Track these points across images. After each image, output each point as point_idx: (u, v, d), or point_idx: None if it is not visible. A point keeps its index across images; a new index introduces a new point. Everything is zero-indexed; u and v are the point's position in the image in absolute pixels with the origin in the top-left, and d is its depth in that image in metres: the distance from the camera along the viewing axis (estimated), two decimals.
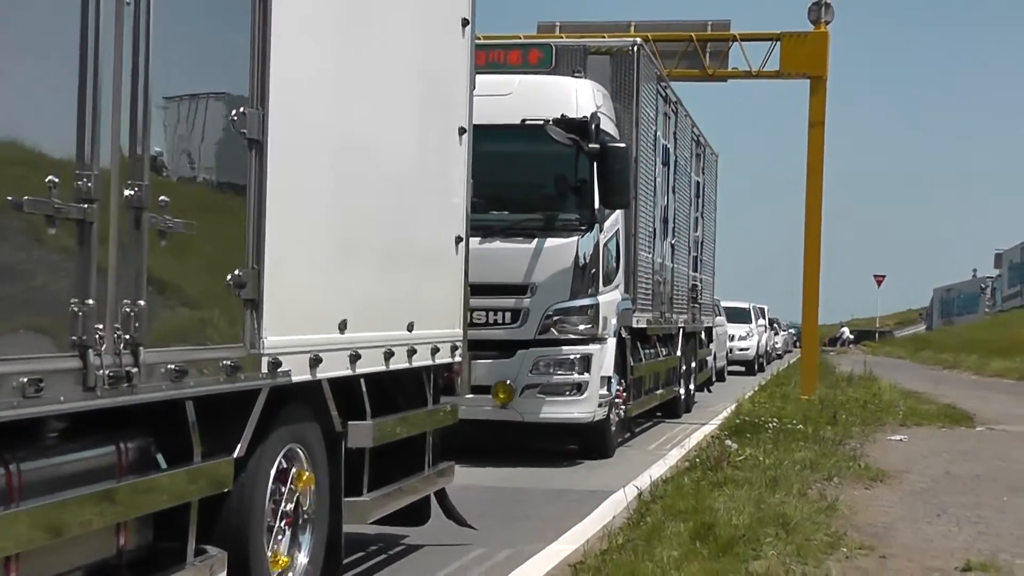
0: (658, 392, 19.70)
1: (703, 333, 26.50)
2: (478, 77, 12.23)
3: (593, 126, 13.98)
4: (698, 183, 24.11)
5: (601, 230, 14.55)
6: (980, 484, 12.52)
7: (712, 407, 24.07)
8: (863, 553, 8.33)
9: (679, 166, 21.24)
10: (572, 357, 14.08)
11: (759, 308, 51.34)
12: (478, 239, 12.23)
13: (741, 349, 44.49)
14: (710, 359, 34.98)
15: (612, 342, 14.98)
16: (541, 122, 13.88)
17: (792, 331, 66.51)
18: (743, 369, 44.28)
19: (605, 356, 14.70)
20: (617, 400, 15.53)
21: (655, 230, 18.44)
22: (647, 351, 18.34)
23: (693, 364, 24.36)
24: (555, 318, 14.01)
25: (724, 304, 39.31)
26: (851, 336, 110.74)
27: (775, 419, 18.05)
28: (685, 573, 7.24)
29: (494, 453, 14.73)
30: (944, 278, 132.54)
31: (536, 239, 14.00)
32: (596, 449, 15.20)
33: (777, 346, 63.53)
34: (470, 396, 11.63)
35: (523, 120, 13.88)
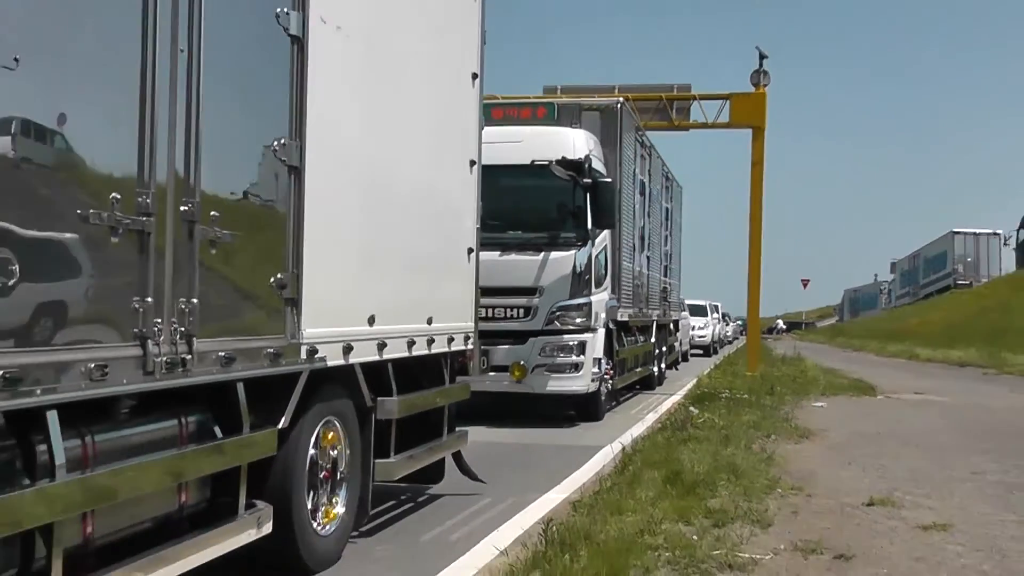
0: (637, 370, 20.00)
1: (672, 325, 26.90)
2: (498, 128, 14.39)
3: (587, 165, 14.76)
4: (667, 209, 24.51)
5: (593, 245, 15.11)
6: (880, 439, 12.58)
7: (679, 381, 24.77)
8: (794, 493, 8.37)
9: (652, 195, 21.63)
10: (571, 343, 14.64)
11: (714, 305, 51.45)
12: (498, 252, 13.74)
13: (700, 336, 44.95)
14: (677, 345, 36.40)
15: (602, 332, 15.34)
16: (547, 162, 14.52)
17: (739, 322, 66.37)
18: (701, 352, 44.49)
19: (596, 342, 15.09)
20: (606, 376, 15.83)
21: (635, 245, 19.11)
22: (629, 339, 18.82)
23: (664, 348, 24.96)
24: (558, 313, 14.66)
25: (687, 302, 39.11)
26: (784, 326, 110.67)
27: (727, 390, 18.21)
28: (659, 508, 7.26)
29: (512, 418, 14.80)
30: (852, 281, 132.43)
31: (543, 252, 14.73)
32: (590, 415, 15.51)
33: (728, 334, 63.58)
34: (492, 374, 14.39)
35: (533, 161, 14.56)
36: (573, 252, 14.84)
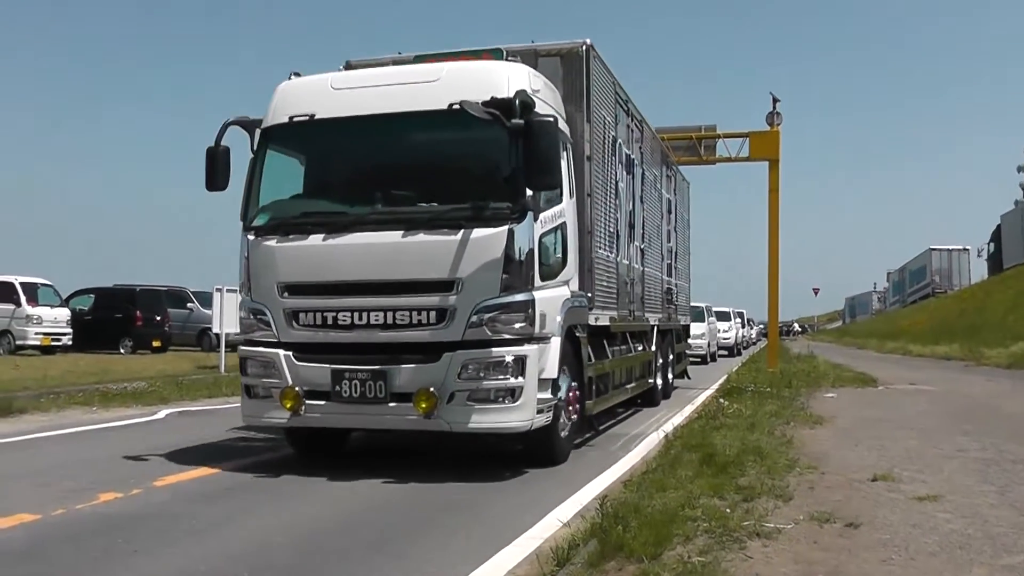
0: (629, 386, 13.74)
1: (682, 330, 20.62)
2: (408, 67, 9.72)
3: (517, 101, 8.59)
4: (670, 200, 18.70)
5: (537, 220, 8.92)
6: (881, 424, 12.28)
7: (689, 393, 19.21)
8: (810, 471, 8.20)
9: (647, 179, 15.47)
10: (504, 359, 8.55)
11: (738, 312, 50.88)
12: (400, 232, 8.67)
13: (724, 338, 43.71)
14: (703, 347, 34.60)
15: (556, 341, 9.13)
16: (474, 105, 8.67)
17: (762, 326, 65.88)
18: (727, 353, 43.43)
19: (547, 357, 8.96)
20: (567, 403, 9.71)
21: (618, 232, 12.60)
22: (615, 348, 12.68)
23: (671, 357, 18.49)
24: (483, 316, 8.59)
25: (714, 309, 39.51)
26: (799, 328, 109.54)
27: (752, 384, 17.81)
28: (697, 485, 7.15)
29: (426, 462, 9.95)
30: (855, 289, 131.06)
31: (462, 230, 8.61)
32: (542, 456, 9.47)
33: (752, 336, 63.04)
34: (392, 404, 8.59)
35: (451, 105, 8.68)
36: (505, 229, 8.58)
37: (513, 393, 8.54)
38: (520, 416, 8.59)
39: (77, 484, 8.31)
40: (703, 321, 34.63)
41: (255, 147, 9.54)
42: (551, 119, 8.93)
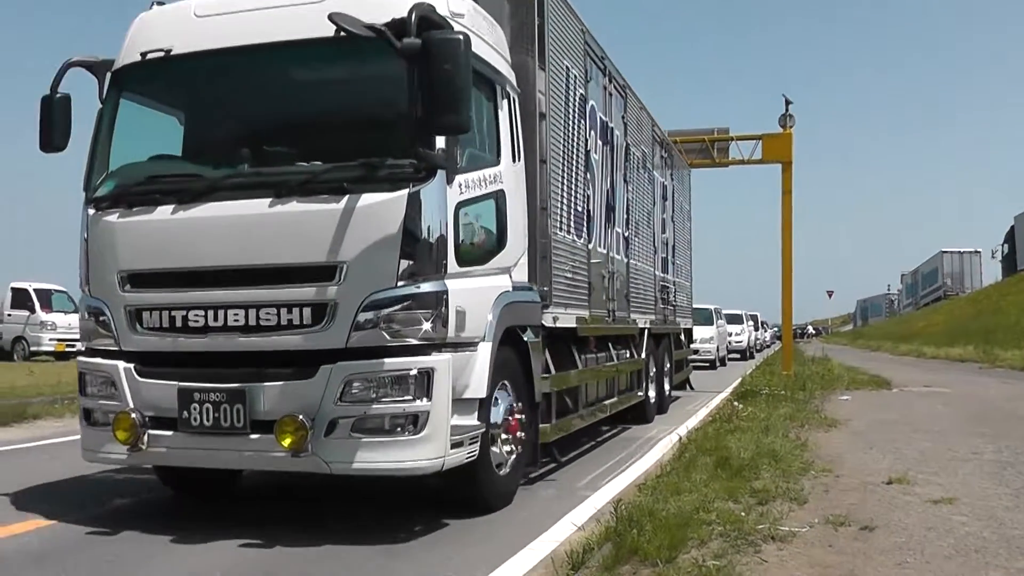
0: (608, 402, 11.22)
1: (683, 334, 17.97)
2: None
3: (415, 16, 6.17)
4: (665, 185, 16.19)
5: (452, 183, 6.50)
6: (895, 426, 12.19)
7: (690, 405, 16.69)
8: (824, 474, 8.17)
9: (634, 157, 13.17)
10: (403, 374, 6.19)
11: (751, 314, 49.72)
12: (268, 200, 6.37)
13: (736, 342, 41.80)
14: (711, 351, 32.22)
15: (486, 349, 6.82)
16: (358, 31, 6.20)
17: (776, 329, 65.66)
18: (739, 356, 41.47)
19: (468, 370, 6.67)
20: (508, 432, 7.37)
21: (589, 213, 10.23)
22: (588, 356, 10.31)
23: (667, 365, 15.77)
24: (375, 314, 6.22)
25: (725, 311, 38.13)
26: (813, 331, 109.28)
27: (766, 388, 17.73)
28: (711, 489, 7.12)
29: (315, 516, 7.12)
30: (868, 291, 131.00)
31: (347, 196, 6.25)
32: (468, 501, 7.15)
33: (766, 339, 62.79)
34: (254, 437, 6.29)
35: (337, 32, 6.17)
36: (404, 194, 6.24)
37: (415, 421, 6.15)
38: (425, 452, 6.18)
39: None
40: (712, 324, 32.88)
41: (104, 95, 7.29)
42: (458, 37, 6.12)
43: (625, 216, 12.52)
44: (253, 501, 8.21)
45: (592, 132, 10.60)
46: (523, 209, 7.95)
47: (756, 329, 53.42)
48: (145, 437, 6.57)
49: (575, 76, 9.79)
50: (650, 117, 14.83)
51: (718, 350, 33.91)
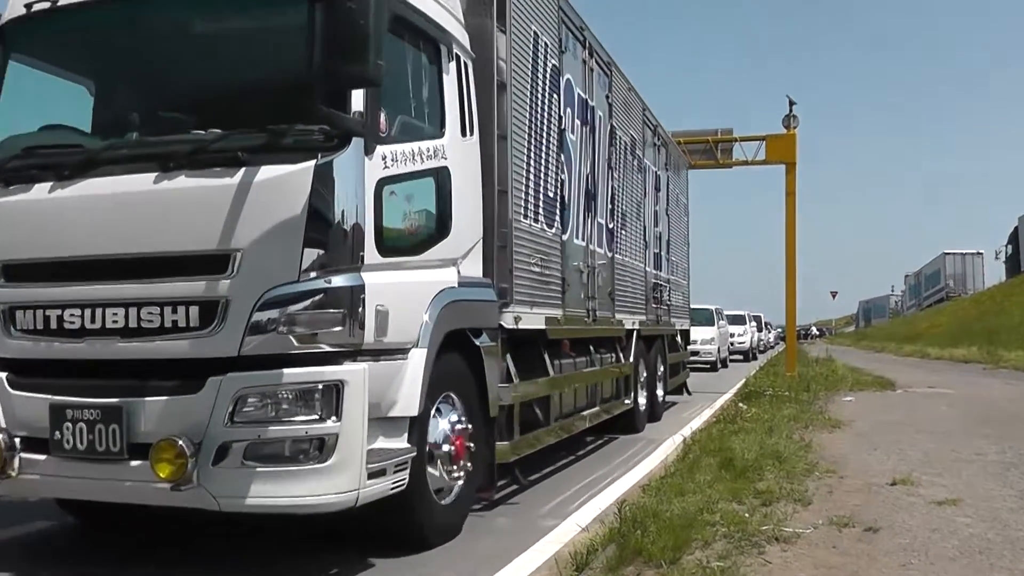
0: (590, 411, 10.15)
1: (678, 336, 16.78)
2: None
3: None
4: (658, 175, 14.92)
5: (372, 153, 5.41)
6: (900, 428, 12.14)
7: (686, 412, 15.56)
8: (828, 475, 8.14)
9: (621, 142, 11.96)
10: (307, 388, 5.05)
11: (754, 315, 48.91)
12: (153, 176, 5.28)
13: (739, 343, 40.47)
14: (712, 353, 31.12)
15: (420, 356, 5.78)
16: None
17: (779, 330, 65.56)
18: (741, 357, 40.33)
19: (398, 382, 5.62)
20: (453, 459, 6.33)
21: (563, 199, 9.03)
22: (563, 361, 9.18)
23: (661, 370, 14.71)
24: (274, 314, 5.07)
25: (727, 312, 37.34)
26: (817, 332, 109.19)
27: (770, 389, 17.69)
28: (715, 490, 7.10)
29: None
30: (872, 292, 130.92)
31: (244, 169, 5.10)
32: (399, 536, 6.04)
33: (770, 340, 62.60)
34: (134, 464, 5.16)
35: None
36: (310, 165, 5.09)
37: (321, 446, 5.01)
38: (333, 484, 5.03)
39: None
40: (713, 325, 31.84)
41: None
42: None
43: (609, 206, 11.23)
44: (171, 529, 6.86)
45: (568, 110, 9.38)
46: (476, 191, 6.89)
47: (760, 330, 53.01)
48: (16, 462, 5.41)
49: (546, 45, 8.61)
50: (641, 101, 13.58)
51: (719, 352, 32.98)
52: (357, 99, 5.27)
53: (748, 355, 42.05)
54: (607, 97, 11.31)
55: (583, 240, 9.92)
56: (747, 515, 6.34)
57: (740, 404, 14.59)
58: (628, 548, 5.40)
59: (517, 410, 7.51)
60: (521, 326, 7.64)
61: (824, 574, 5.09)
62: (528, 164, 7.99)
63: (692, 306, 19.53)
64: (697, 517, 6.14)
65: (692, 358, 22.67)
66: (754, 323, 47.89)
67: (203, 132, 5.34)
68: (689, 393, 18.10)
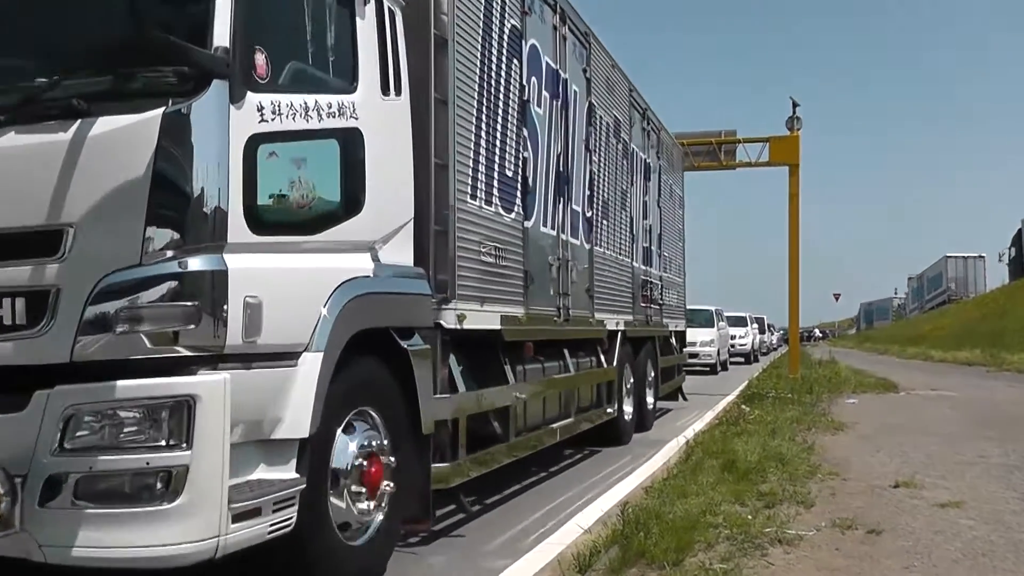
0: (561, 423, 8.95)
1: (672, 337, 15.47)
2: None
3: None
4: (648, 164, 13.61)
5: (241, 101, 4.17)
6: (902, 430, 12.11)
7: (680, 420, 14.34)
8: (831, 477, 8.12)
9: (601, 122, 10.70)
10: (150, 405, 3.83)
11: (756, 317, 48.18)
12: None
13: (741, 344, 39.33)
14: (712, 355, 29.99)
15: (315, 362, 4.52)
16: None
17: (782, 331, 65.50)
18: (743, 360, 39.21)
19: (283, 396, 4.38)
20: (364, 484, 5.04)
21: (525, 179, 7.87)
22: (528, 366, 8.05)
23: (651, 374, 13.45)
24: (110, 307, 3.85)
25: (727, 313, 36.42)
26: (820, 334, 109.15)
27: (773, 391, 17.70)
28: (718, 492, 7.08)
29: None
30: (877, 295, 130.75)
31: (79, 122, 3.92)
32: None
33: (773, 342, 62.48)
34: None
35: None
36: (157, 113, 3.92)
37: (168, 480, 3.89)
38: (184, 531, 3.90)
39: None
40: (712, 326, 30.72)
41: None
42: None
43: (588, 192, 10.03)
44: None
45: (534, 79, 8.25)
46: (404, 163, 5.72)
47: (762, 332, 52.57)
48: None
49: (503, 2, 7.52)
50: (627, 80, 12.31)
51: (719, 354, 31.83)
52: (222, 31, 4.14)
53: (749, 357, 41.15)
54: (584, 71, 10.12)
55: (553, 229, 8.71)
56: (750, 517, 6.32)
57: (743, 406, 14.56)
58: (631, 550, 5.39)
59: (463, 425, 6.36)
60: (468, 326, 6.41)
61: None
62: (478, 136, 6.81)
63: (691, 307, 18.73)
64: (700, 519, 6.13)
65: (691, 361, 22.21)
66: (755, 325, 47.06)
67: (45, 80, 4.22)
68: (685, 399, 16.65)
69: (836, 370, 26.32)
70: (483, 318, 6.80)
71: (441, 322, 6.10)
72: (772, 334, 63.79)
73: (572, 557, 5.53)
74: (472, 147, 6.72)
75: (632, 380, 12.13)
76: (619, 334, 11.25)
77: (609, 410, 10.81)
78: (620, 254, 11.60)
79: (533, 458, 8.66)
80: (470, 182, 6.65)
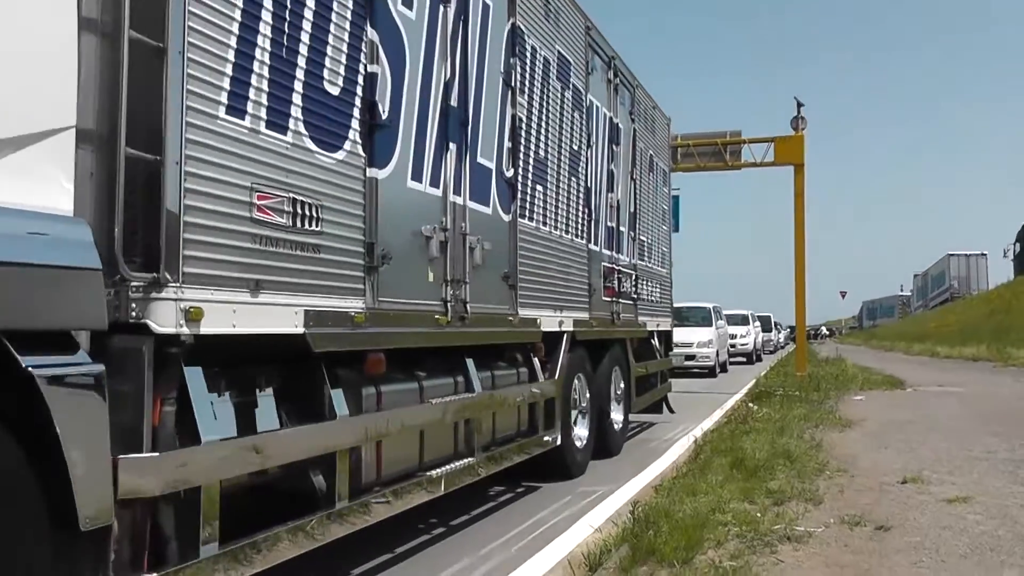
0: (440, 471, 5.91)
1: (653, 338, 12.65)
2: None
3: None
4: (617, 124, 10.85)
5: None
6: (910, 427, 12.10)
7: (654, 441, 11.76)
8: (839, 474, 8.13)
9: (535, 54, 7.96)
10: None
11: (760, 315, 46.66)
12: None
13: (742, 344, 36.91)
14: (710, 356, 27.31)
15: None
16: None
17: (789, 330, 65.31)
18: (744, 360, 36.99)
19: None
20: None
21: (371, 105, 5.14)
22: (390, 388, 5.42)
23: (620, 386, 10.62)
24: None
25: (727, 311, 33.77)
26: (827, 332, 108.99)
27: (781, 389, 17.71)
28: (727, 490, 7.09)
29: None
30: (883, 292, 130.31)
31: None
32: None
33: (780, 341, 62.20)
34: None
35: None
36: None
37: None
38: None
39: None
40: (710, 325, 27.95)
41: None
42: None
43: (509, 144, 7.37)
44: None
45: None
46: (50, 21, 3.16)
47: (767, 330, 51.70)
48: None
49: None
50: (583, 15, 9.65)
51: (718, 355, 28.57)
52: None
53: (751, 357, 38.40)
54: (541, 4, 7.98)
55: (437, 187, 6.08)
56: (759, 515, 6.33)
57: (751, 405, 14.54)
58: (641, 548, 5.40)
59: (209, 497, 3.79)
60: (211, 329, 3.80)
61: (836, 573, 5.08)
62: (253, 13, 4.18)
63: (687, 304, 17.75)
64: (709, 517, 6.14)
65: (687, 363, 20.59)
66: (758, 323, 44.88)
67: None
68: (671, 411, 13.76)
69: (843, 367, 26.30)
70: (260, 314, 4.13)
71: (149, 321, 3.53)
72: (779, 332, 63.56)
73: (582, 556, 5.54)
74: (234, 26, 4.04)
75: (588, 395, 9.49)
76: (565, 336, 8.58)
77: (547, 438, 8.15)
78: (567, 232, 8.86)
79: (440, 501, 6.28)
80: (227, 84, 3.98)
